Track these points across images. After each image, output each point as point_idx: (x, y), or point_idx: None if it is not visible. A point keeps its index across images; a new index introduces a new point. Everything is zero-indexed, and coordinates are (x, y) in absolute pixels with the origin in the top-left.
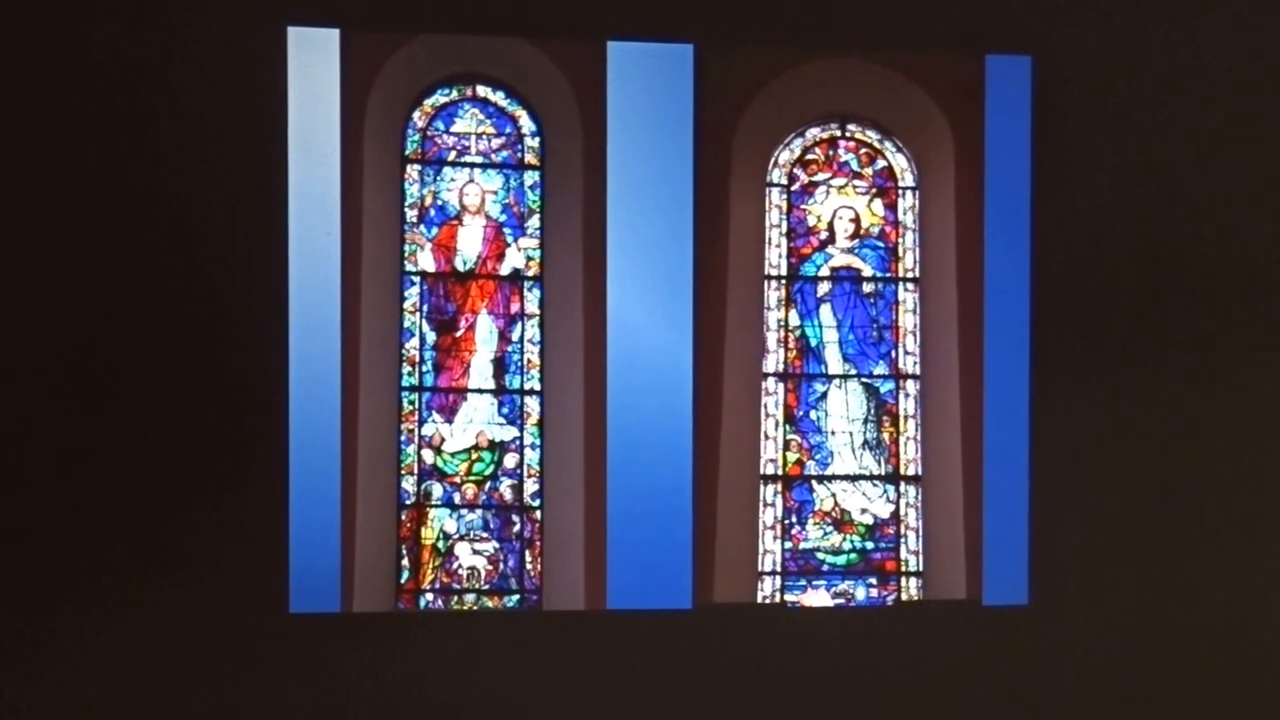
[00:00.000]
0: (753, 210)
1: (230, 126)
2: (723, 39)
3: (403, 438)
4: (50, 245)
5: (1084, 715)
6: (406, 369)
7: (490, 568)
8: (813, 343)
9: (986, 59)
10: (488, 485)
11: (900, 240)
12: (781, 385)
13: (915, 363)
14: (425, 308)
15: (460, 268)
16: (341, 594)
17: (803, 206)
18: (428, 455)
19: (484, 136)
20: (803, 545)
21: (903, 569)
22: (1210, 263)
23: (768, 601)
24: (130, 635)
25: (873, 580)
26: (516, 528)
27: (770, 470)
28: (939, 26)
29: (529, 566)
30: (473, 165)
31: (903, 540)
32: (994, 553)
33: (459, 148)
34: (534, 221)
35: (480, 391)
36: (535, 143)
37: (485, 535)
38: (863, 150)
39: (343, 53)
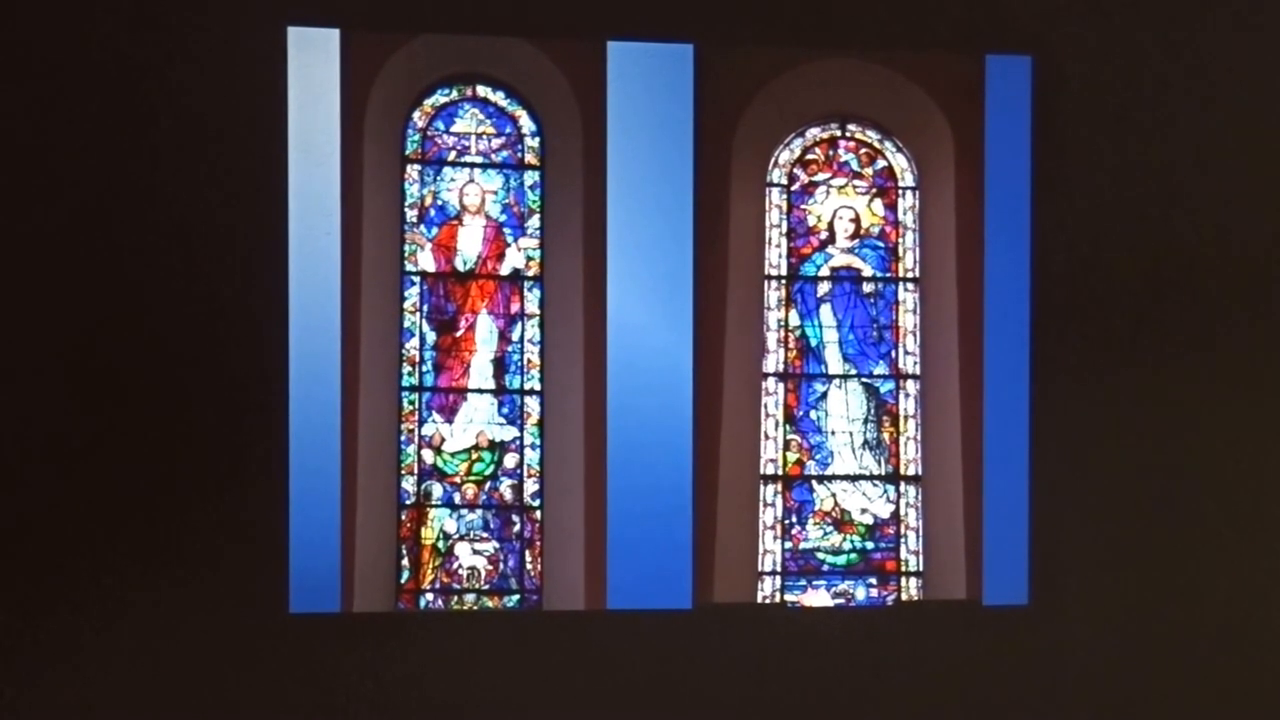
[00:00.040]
0: (753, 210)
1: (230, 126)
2: (723, 39)
3: (403, 438)
4: (50, 245)
5: (1084, 715)
6: (406, 369)
7: (490, 568)
8: (813, 343)
9: (986, 59)
10: (488, 485)
11: (900, 240)
12: (781, 385)
13: (915, 363)
14: (425, 308)
15: (460, 268)
16: (341, 594)
17: (803, 206)
18: (428, 455)
19: (484, 136)
20: (803, 545)
21: (903, 569)
22: (1210, 263)
23: (768, 601)
24: (130, 635)
25: (873, 580)
26: (516, 528)
27: (770, 470)
28: (939, 26)
29: (529, 566)
30: (473, 165)
31: (903, 540)
32: (994, 553)
33: (459, 148)
34: (534, 221)
35: (480, 391)
36: (535, 143)
37: (485, 535)
38: (863, 150)
39: (343, 53)
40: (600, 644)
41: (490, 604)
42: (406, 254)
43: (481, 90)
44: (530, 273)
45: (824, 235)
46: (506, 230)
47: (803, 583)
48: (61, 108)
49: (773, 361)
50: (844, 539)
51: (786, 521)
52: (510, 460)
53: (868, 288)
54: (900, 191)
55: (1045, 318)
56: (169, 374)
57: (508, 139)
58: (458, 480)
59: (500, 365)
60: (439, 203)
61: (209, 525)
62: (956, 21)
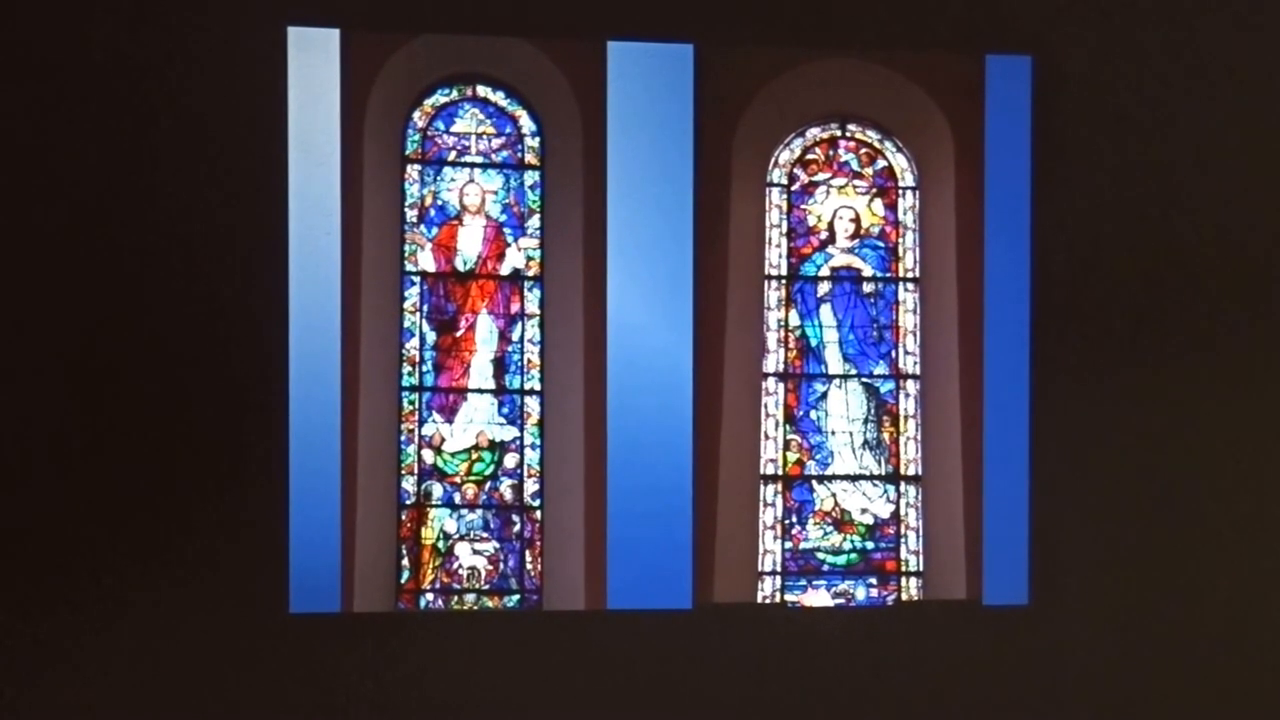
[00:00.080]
0: (753, 210)
1: (230, 126)
2: (723, 39)
3: (403, 438)
4: (50, 245)
5: (1084, 715)
6: (406, 369)
7: (490, 568)
8: (813, 343)
9: (986, 59)
10: (488, 485)
11: (900, 240)
12: (781, 385)
13: (915, 363)
14: (425, 308)
15: (460, 268)
16: (341, 594)
17: (803, 206)
18: (428, 455)
19: (484, 136)
20: (803, 545)
21: (903, 569)
22: (1210, 263)
23: (768, 601)
24: (130, 635)
25: (873, 580)
26: (516, 528)
27: (770, 470)
28: (939, 26)
29: (529, 566)
30: (473, 165)
31: (903, 540)
32: (994, 553)
33: (459, 148)
34: (534, 221)
35: (480, 391)
36: (535, 143)
37: (485, 535)
38: (863, 150)
39: (343, 53)
40: (600, 644)
41: (490, 604)
42: (406, 254)
43: (481, 90)
44: (530, 273)
45: (824, 235)
46: (506, 230)
47: (803, 583)
48: (61, 108)
49: (773, 361)
50: (844, 539)
51: (786, 521)
52: (510, 460)
53: (868, 288)
54: (900, 191)
55: (1045, 318)
56: (169, 374)
57: (508, 139)
58: (458, 480)
59: (500, 365)
60: (439, 203)
61: (209, 525)
62: (956, 21)
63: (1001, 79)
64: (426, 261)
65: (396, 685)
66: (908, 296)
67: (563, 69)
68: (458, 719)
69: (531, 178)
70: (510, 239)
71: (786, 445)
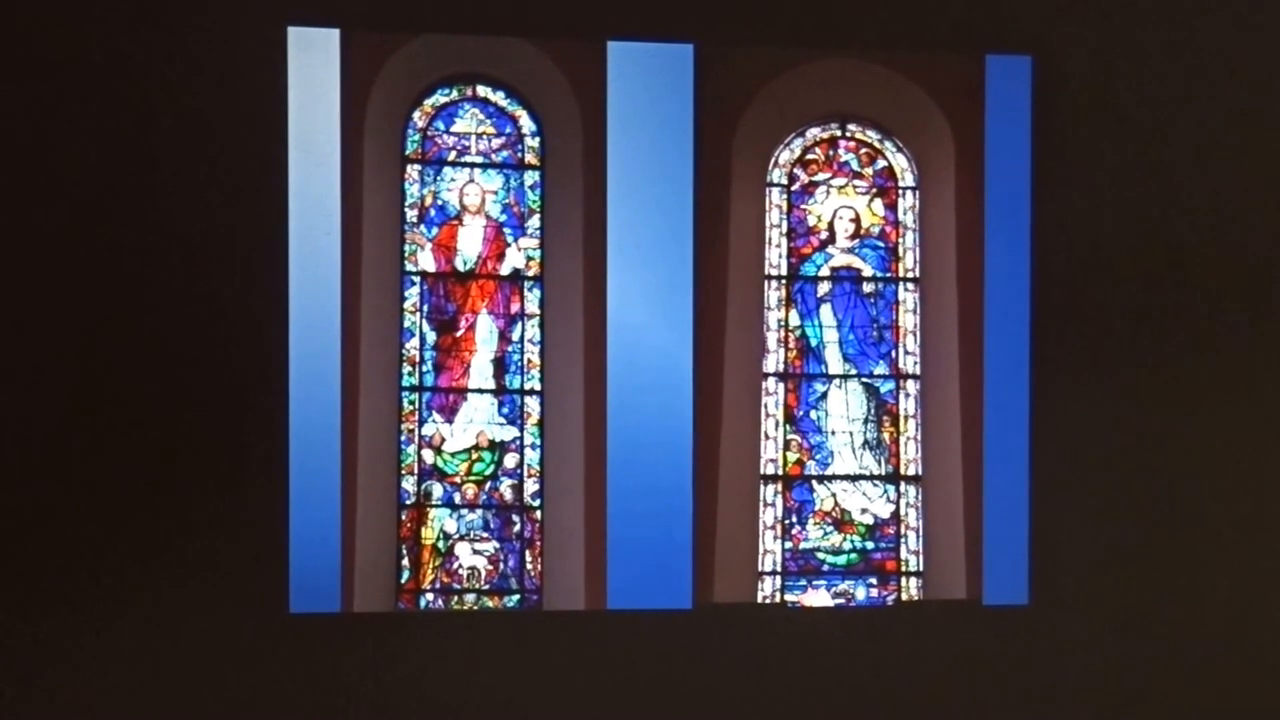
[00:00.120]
0: (753, 210)
1: (230, 126)
2: (723, 39)
3: (403, 438)
4: (50, 245)
5: (1084, 715)
6: (406, 369)
7: (490, 568)
8: (813, 343)
9: (986, 59)
10: (488, 485)
11: (900, 240)
12: (781, 385)
13: (915, 363)
14: (425, 308)
15: (460, 268)
16: (341, 594)
17: (803, 206)
18: (428, 455)
19: (484, 136)
20: (803, 545)
21: (903, 569)
22: (1210, 263)
23: (768, 601)
24: (130, 635)
25: (873, 580)
26: (516, 528)
27: (770, 470)
28: (939, 26)
29: (529, 566)
30: (473, 165)
31: (903, 540)
32: (994, 553)
33: (459, 148)
34: (534, 221)
35: (480, 391)
36: (535, 143)
37: (485, 535)
38: (863, 150)
39: (343, 53)
40: (600, 644)
41: (490, 604)
42: (406, 254)
43: (481, 90)
44: (530, 273)
45: (824, 235)
46: (506, 230)
47: (803, 583)
48: (61, 108)
49: (773, 361)
50: (844, 539)
51: (786, 521)
52: (510, 460)
53: (868, 288)
54: (900, 191)
55: (1045, 318)
56: (169, 374)
57: (508, 139)
58: (458, 480)
59: (500, 365)
60: (439, 203)
61: (209, 525)
62: (956, 21)
63: (1001, 79)
64: (426, 261)
65: (396, 685)
66: (908, 296)
67: (563, 69)
68: (458, 719)
69: (531, 178)
70: (510, 239)
71: (786, 445)
